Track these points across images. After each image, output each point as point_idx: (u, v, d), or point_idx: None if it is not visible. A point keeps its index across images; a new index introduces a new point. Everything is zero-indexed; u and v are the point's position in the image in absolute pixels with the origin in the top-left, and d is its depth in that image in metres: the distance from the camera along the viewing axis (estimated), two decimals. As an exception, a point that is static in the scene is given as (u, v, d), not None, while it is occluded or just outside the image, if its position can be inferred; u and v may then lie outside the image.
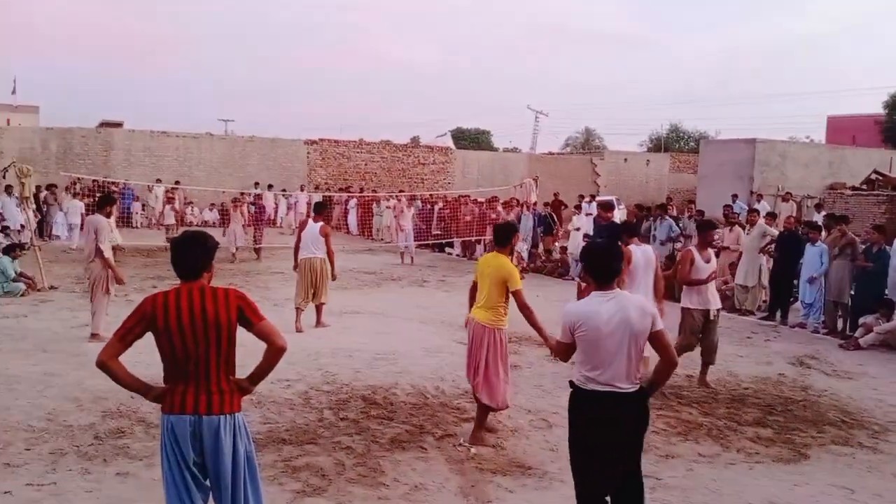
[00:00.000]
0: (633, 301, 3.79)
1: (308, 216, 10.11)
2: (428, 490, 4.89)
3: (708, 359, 7.73)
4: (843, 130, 45.36)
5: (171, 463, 3.29)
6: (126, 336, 3.27)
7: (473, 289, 5.97)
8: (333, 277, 9.94)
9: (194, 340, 3.25)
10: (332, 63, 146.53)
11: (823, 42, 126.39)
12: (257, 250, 18.10)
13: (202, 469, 3.33)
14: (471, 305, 5.96)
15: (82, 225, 18.16)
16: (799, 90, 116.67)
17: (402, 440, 5.74)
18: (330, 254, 9.67)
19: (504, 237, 5.93)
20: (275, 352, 3.35)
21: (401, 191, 27.31)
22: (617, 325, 3.64)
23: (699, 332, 7.60)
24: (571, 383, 3.81)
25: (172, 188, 24.20)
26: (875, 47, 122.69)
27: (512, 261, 5.98)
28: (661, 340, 3.77)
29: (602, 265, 3.79)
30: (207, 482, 3.36)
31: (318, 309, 9.88)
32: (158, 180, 25.52)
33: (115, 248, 16.25)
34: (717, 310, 7.76)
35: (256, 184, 27.73)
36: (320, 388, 7.06)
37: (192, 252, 3.40)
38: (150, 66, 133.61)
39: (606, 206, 11.63)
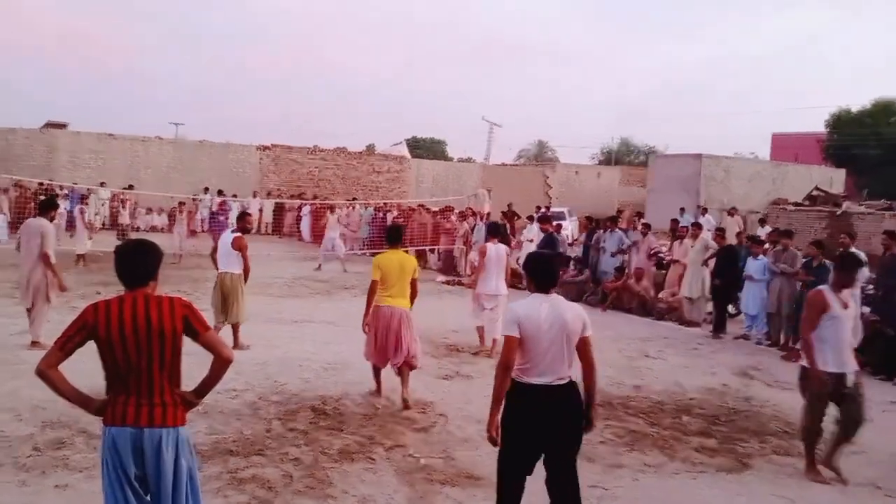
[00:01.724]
0: (567, 305, 4.17)
1: (240, 225, 9.28)
2: (376, 502, 4.86)
3: (845, 433, 5.78)
4: (786, 148, 46.92)
5: (112, 476, 3.20)
6: (66, 345, 3.18)
7: (374, 286, 6.95)
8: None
9: (137, 350, 3.17)
10: (288, 69, 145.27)
11: (770, 61, 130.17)
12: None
13: (143, 483, 3.25)
14: (369, 302, 7.00)
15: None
16: (746, 107, 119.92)
17: (351, 451, 5.69)
18: (245, 270, 8.79)
19: (398, 237, 7.32)
20: (221, 363, 3.30)
21: (353, 198, 27.19)
22: (553, 324, 4.03)
23: (827, 400, 5.74)
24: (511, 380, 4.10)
25: (122, 192, 23.69)
26: (818, 68, 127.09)
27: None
28: (586, 345, 4.13)
29: (543, 273, 4.23)
30: (149, 497, 3.27)
31: (234, 329, 8.80)
32: (103, 183, 24.92)
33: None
34: (856, 373, 5.82)
35: (206, 189, 27.30)
36: (269, 398, 6.96)
37: (138, 260, 3.33)
38: (99, 67, 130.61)
39: (543, 219, 12.88)
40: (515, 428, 4.07)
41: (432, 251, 19.78)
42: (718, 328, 11.84)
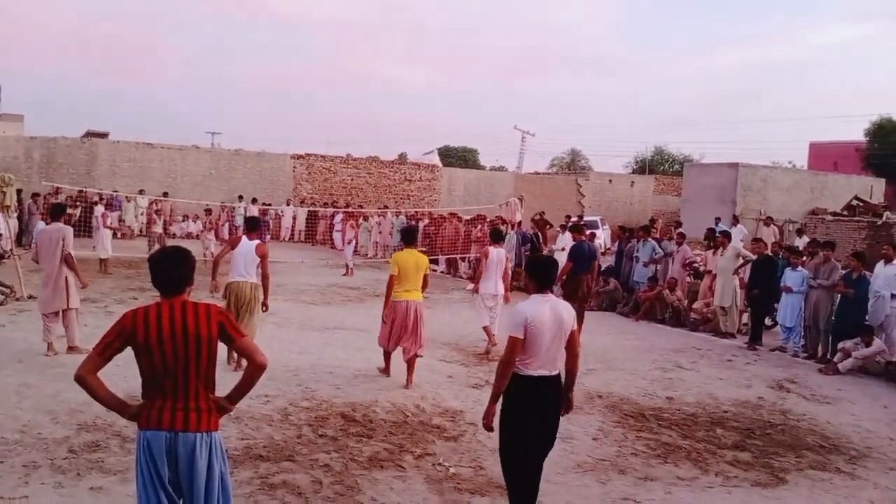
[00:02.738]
0: (561, 303, 4.61)
1: (257, 232, 8.46)
2: (405, 510, 4.85)
3: None
4: (825, 157, 46.05)
5: (146, 480, 3.24)
6: (105, 350, 3.24)
7: (393, 280, 7.91)
8: (265, 308, 8.22)
9: (174, 355, 3.22)
10: (321, 79, 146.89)
11: (807, 69, 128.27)
12: None
13: (176, 487, 3.28)
14: (389, 295, 7.97)
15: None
16: (783, 116, 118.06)
17: (380, 458, 5.70)
18: (265, 278, 8.17)
19: (412, 238, 8.50)
20: (255, 369, 3.33)
21: (385, 206, 27.31)
22: (553, 322, 4.44)
23: None
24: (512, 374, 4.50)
25: (157, 200, 24.12)
26: (857, 76, 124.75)
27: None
28: (574, 338, 4.59)
29: (544, 275, 4.60)
30: (181, 501, 3.31)
31: None
32: (141, 191, 25.39)
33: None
34: None
35: (240, 197, 27.65)
36: (299, 404, 7.01)
37: (173, 268, 3.38)
38: (138, 77, 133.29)
39: (574, 228, 12.82)
40: (516, 416, 4.46)
41: (463, 259, 19.77)
42: (754, 340, 11.64)
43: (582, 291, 11.03)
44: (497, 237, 10.70)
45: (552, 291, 4.64)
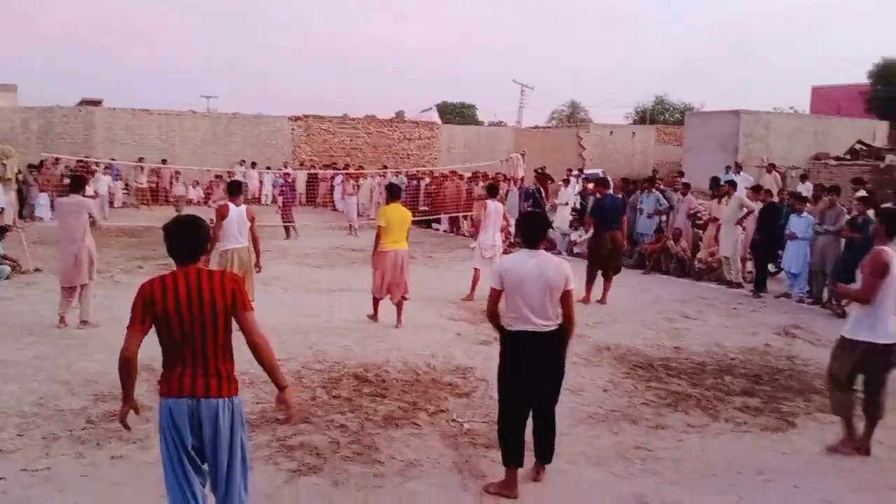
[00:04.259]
0: (552, 261, 4.62)
1: (239, 196, 8.54)
2: (423, 466, 4.93)
3: (872, 413, 5.43)
4: (827, 101, 45.45)
5: (170, 447, 3.29)
6: (142, 325, 3.29)
7: (381, 231, 8.68)
8: (258, 269, 8.50)
9: (191, 323, 3.25)
10: (315, 40, 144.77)
11: (809, 11, 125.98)
12: (286, 228, 17.98)
13: (200, 453, 3.34)
14: (377, 245, 8.74)
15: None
16: (784, 60, 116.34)
17: (395, 417, 5.78)
18: (255, 241, 8.43)
19: (398, 193, 9.39)
20: (254, 348, 3.37)
21: (384, 166, 27.17)
22: (536, 278, 4.47)
23: (859, 373, 5.42)
24: (501, 328, 4.67)
25: (158, 168, 24.04)
26: (860, 17, 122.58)
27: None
28: (567, 300, 4.58)
29: (533, 231, 4.71)
30: (205, 466, 3.37)
31: None
32: (141, 159, 25.23)
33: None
34: None
35: (242, 161, 27.51)
36: (312, 366, 7.07)
37: (188, 237, 3.39)
38: (129, 44, 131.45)
39: (599, 182, 11.96)
40: (505, 368, 4.67)
41: (465, 217, 19.73)
42: (759, 287, 11.68)
43: (606, 250, 10.56)
44: (493, 192, 11.41)
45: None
